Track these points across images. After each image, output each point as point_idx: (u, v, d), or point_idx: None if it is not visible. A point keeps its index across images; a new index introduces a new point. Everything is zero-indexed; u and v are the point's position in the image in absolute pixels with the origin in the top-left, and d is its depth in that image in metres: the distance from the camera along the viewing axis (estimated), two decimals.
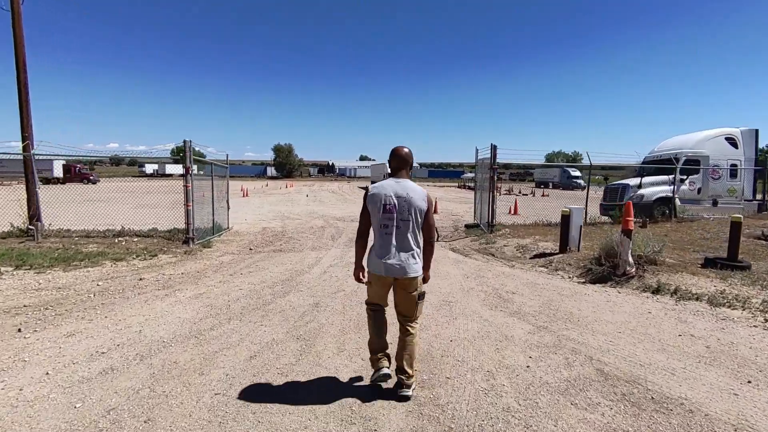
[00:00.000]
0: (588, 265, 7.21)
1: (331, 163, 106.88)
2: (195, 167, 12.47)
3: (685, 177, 14.76)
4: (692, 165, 14.74)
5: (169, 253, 8.96)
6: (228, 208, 13.12)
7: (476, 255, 9.02)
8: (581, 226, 8.12)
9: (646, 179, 14.99)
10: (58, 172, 45.59)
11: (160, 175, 73.68)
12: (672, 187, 14.29)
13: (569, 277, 6.94)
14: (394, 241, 3.04)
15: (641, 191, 14.63)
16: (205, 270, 7.63)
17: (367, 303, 3.33)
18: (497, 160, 11.09)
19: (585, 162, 12.76)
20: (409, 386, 3.15)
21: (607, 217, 15.77)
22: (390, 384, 3.29)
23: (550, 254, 8.36)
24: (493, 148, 11.01)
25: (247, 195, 29.90)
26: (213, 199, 11.52)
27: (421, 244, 3.19)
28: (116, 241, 9.45)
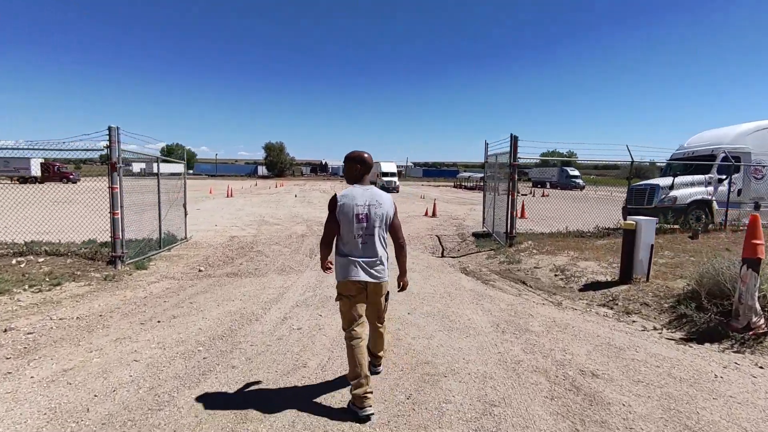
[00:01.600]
0: (675, 307, 4.76)
1: (324, 162, 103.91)
2: (141, 165, 9.90)
3: (724, 176, 12.47)
4: (732, 162, 12.44)
5: (82, 279, 6.39)
6: (186, 214, 10.53)
7: (500, 282, 6.52)
8: (652, 245, 5.66)
9: (680, 179, 12.63)
10: (36, 170, 42.59)
11: (147, 174, 70.30)
12: (709, 188, 11.97)
13: (656, 329, 4.46)
14: (369, 249, 2.95)
15: (673, 193, 12.26)
16: (114, 311, 5.08)
17: (346, 330, 3.02)
18: (518, 155, 8.62)
19: (623, 158, 10.33)
20: (379, 365, 3.41)
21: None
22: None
23: (607, 284, 5.90)
24: (514, 139, 8.54)
25: (231, 195, 27.24)
26: (159, 204, 8.94)
27: (387, 249, 3.08)
28: (13, 262, 6.84)
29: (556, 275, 6.57)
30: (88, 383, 3.29)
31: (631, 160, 10.23)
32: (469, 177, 51.00)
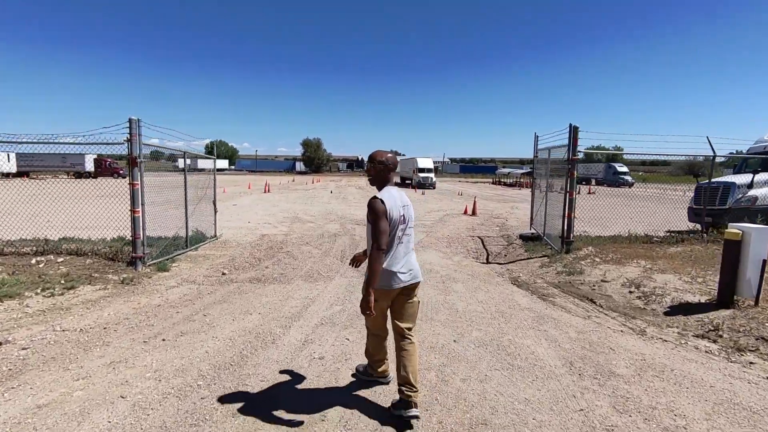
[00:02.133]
0: None
1: (360, 158, 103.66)
2: (187, 161, 9.48)
3: None
4: None
5: (98, 282, 5.91)
6: (216, 212, 10.05)
7: (561, 298, 5.46)
8: (765, 261, 4.44)
9: (760, 176, 10.92)
10: (89, 166, 44.63)
11: (192, 169, 72.41)
12: None
13: None
14: (407, 250, 2.88)
15: (753, 192, 10.60)
16: (121, 322, 4.50)
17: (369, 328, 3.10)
18: (579, 149, 7.44)
19: (703, 151, 8.92)
20: (416, 404, 2.70)
21: (695, 224, 11.93)
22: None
23: (700, 307, 4.73)
24: (573, 130, 7.37)
25: (268, 191, 27.13)
26: (186, 200, 8.44)
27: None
28: (33, 261, 6.48)
29: (630, 292, 5.43)
30: (57, 428, 2.63)
31: (712, 154, 8.77)
32: (509, 173, 48.94)
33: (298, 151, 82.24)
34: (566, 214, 7.60)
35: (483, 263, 7.70)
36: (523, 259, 7.77)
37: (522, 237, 9.98)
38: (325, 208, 17.55)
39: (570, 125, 7.42)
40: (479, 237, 10.48)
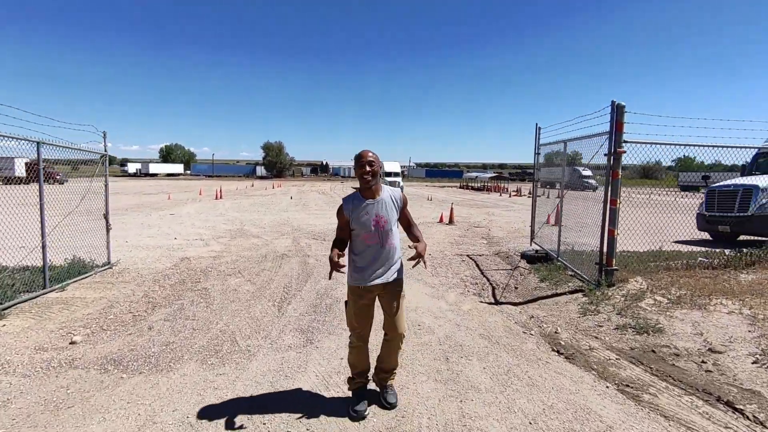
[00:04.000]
0: None
1: (324, 163, 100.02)
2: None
3: None
4: None
5: None
6: (108, 229, 6.99)
7: (667, 395, 2.92)
8: None
9: None
10: (20, 171, 38.99)
11: (143, 174, 66.83)
12: None
13: None
14: None
15: None
16: None
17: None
18: (624, 137, 5.06)
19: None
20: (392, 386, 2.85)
21: (706, 234, 10.10)
22: None
23: None
24: (617, 110, 4.99)
25: (220, 197, 23.74)
26: (43, 216, 5.42)
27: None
28: None
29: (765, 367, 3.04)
30: None
31: None
32: (477, 177, 47.45)
33: (260, 156, 77.81)
34: (606, 232, 5.21)
35: (491, 303, 5.18)
36: (547, 297, 5.30)
37: (525, 256, 7.59)
38: (279, 217, 14.64)
39: (613, 103, 5.04)
40: (469, 256, 8.00)
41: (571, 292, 5.28)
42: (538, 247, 7.96)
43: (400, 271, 2.76)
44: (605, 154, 5.22)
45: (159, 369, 3.29)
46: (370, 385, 2.90)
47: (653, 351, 3.57)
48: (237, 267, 6.92)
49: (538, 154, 8.39)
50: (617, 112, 5.01)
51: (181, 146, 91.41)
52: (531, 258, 7.40)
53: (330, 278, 2.65)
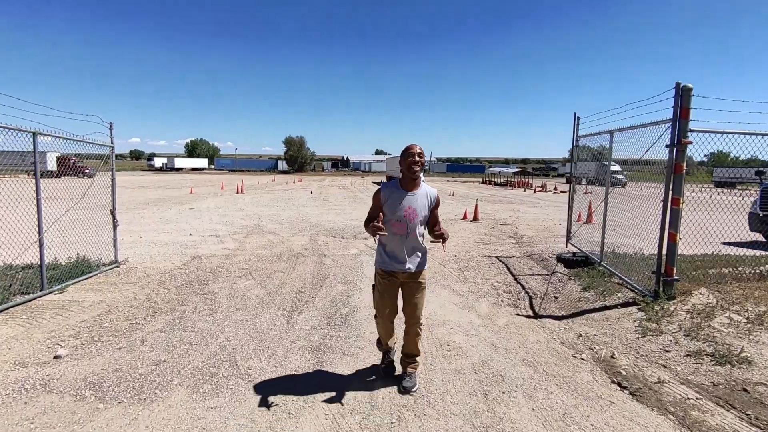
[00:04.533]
0: None
1: (345, 158, 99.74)
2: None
3: None
4: None
5: None
6: (115, 226, 6.61)
7: None
8: None
9: None
10: (51, 165, 40.18)
11: (168, 168, 67.98)
12: None
13: None
14: None
15: None
16: None
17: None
18: (689, 125, 4.26)
19: None
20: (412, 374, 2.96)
21: (758, 235, 9.05)
22: None
23: None
24: (683, 93, 4.20)
25: (241, 191, 23.60)
26: (40, 212, 5.02)
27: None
28: None
29: None
30: None
31: None
32: (500, 172, 46.07)
33: (282, 150, 78.05)
34: (666, 236, 4.43)
35: (529, 316, 4.49)
36: (595, 310, 4.57)
37: (561, 260, 6.82)
38: (298, 212, 14.19)
39: (677, 85, 4.24)
40: (498, 258, 7.29)
41: (623, 305, 4.54)
42: (576, 249, 7.19)
43: (422, 263, 2.89)
44: (666, 145, 4.42)
45: (142, 398, 2.77)
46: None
47: (745, 390, 2.84)
48: (249, 267, 6.43)
49: (577, 146, 7.57)
50: (682, 97, 4.22)
51: (205, 141, 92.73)
52: (569, 262, 6.64)
53: (375, 239, 2.77)
